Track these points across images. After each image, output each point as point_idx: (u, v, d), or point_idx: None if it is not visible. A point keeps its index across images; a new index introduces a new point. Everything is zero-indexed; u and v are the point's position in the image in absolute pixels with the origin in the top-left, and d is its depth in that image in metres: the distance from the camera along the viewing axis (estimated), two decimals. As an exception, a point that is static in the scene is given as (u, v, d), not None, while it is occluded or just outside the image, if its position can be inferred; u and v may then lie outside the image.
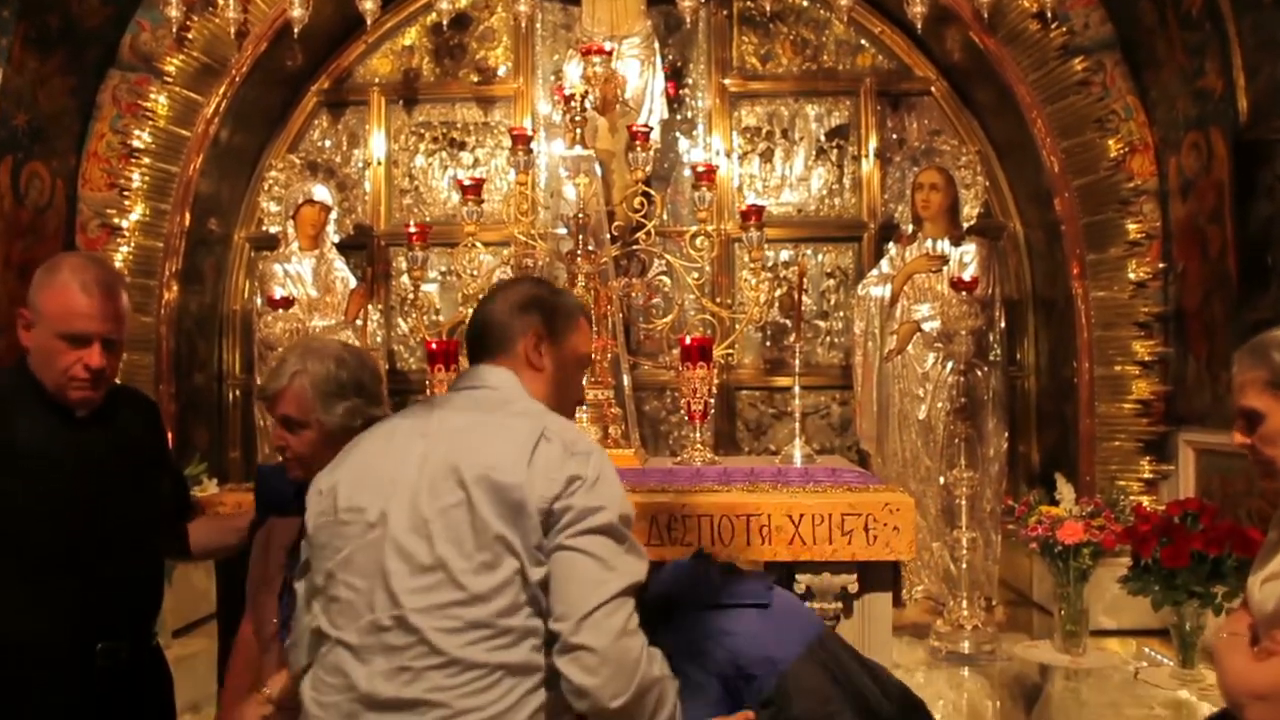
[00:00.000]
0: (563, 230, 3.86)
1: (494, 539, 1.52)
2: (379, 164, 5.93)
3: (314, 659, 1.65)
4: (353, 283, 5.49)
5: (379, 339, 5.56)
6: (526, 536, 1.53)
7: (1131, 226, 5.15)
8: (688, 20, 5.29)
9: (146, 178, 5.39)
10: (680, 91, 5.83)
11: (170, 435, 5.35)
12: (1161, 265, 5.15)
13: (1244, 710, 1.67)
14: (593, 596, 1.50)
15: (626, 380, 3.52)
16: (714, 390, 3.15)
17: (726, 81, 5.85)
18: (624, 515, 1.58)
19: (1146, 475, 5.10)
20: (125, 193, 5.38)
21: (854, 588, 2.45)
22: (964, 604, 4.61)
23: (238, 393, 5.94)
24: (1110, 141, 5.16)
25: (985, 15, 4.96)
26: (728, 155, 5.83)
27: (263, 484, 2.39)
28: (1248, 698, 1.67)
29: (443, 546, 1.53)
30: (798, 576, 2.44)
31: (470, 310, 3.90)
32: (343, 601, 1.58)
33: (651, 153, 3.52)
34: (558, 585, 1.52)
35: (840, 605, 2.46)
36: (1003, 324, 5.30)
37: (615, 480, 1.62)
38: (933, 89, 5.80)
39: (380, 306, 5.81)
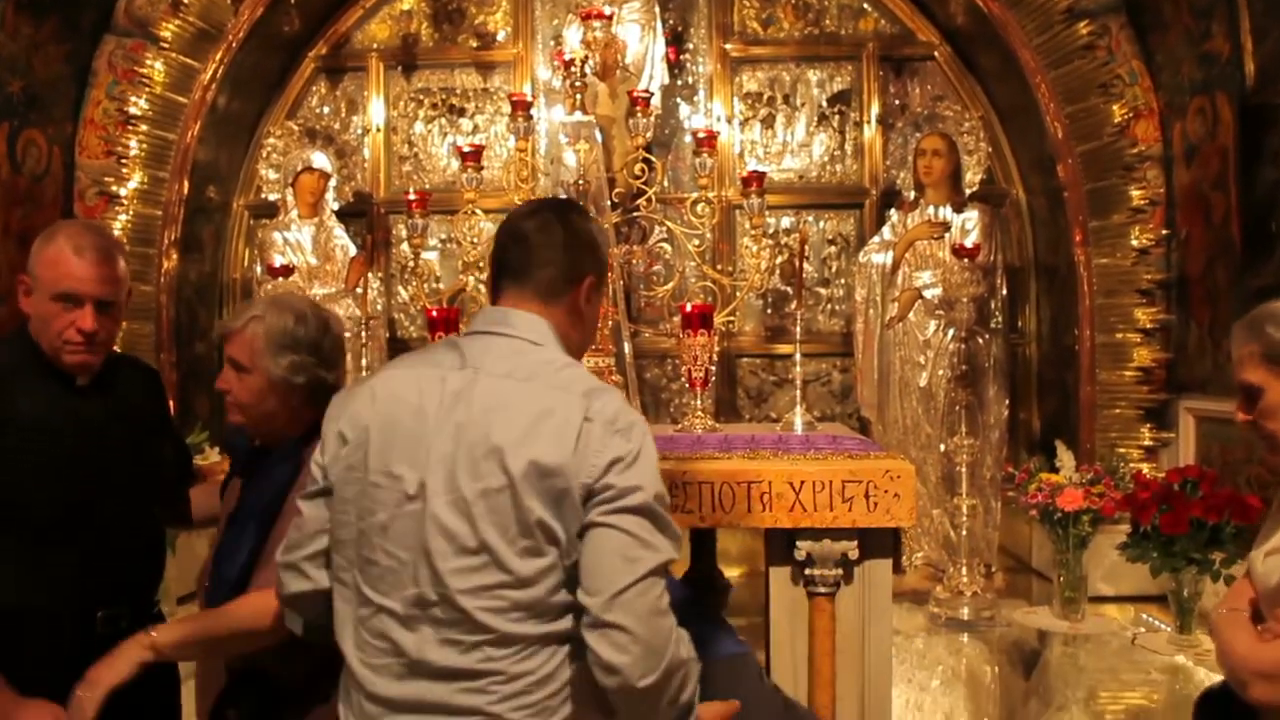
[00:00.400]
0: (563, 197, 3.84)
1: (537, 524, 1.50)
2: (378, 131, 5.89)
3: (311, 603, 1.66)
4: (352, 250, 5.47)
5: (379, 307, 5.55)
6: (569, 523, 1.51)
7: (1135, 193, 5.12)
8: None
9: (144, 145, 5.36)
10: (681, 56, 5.78)
11: (172, 404, 5.39)
12: (1165, 232, 5.13)
13: (1248, 688, 1.68)
14: (626, 574, 1.47)
15: (627, 348, 3.52)
16: (715, 358, 3.14)
17: (727, 46, 5.80)
18: (659, 494, 1.55)
19: (1147, 443, 5.11)
20: (123, 160, 5.34)
21: (854, 554, 2.45)
22: (963, 570, 4.64)
23: (238, 361, 5.93)
24: (1115, 107, 5.12)
25: (990, -22, 4.90)
26: (729, 121, 5.79)
27: (228, 442, 2.41)
28: (1252, 676, 1.68)
29: (486, 530, 1.50)
30: (798, 543, 2.45)
31: (469, 278, 3.90)
32: (383, 568, 1.55)
33: (652, 118, 3.49)
34: (591, 560, 1.49)
35: (840, 572, 2.47)
36: (1004, 291, 5.29)
37: (653, 457, 1.58)
38: (936, 54, 5.75)
39: (380, 274, 5.79)
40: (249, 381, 2.03)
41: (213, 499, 2.36)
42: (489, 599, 1.50)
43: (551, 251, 1.66)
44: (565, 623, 1.52)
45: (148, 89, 5.32)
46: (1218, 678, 2.01)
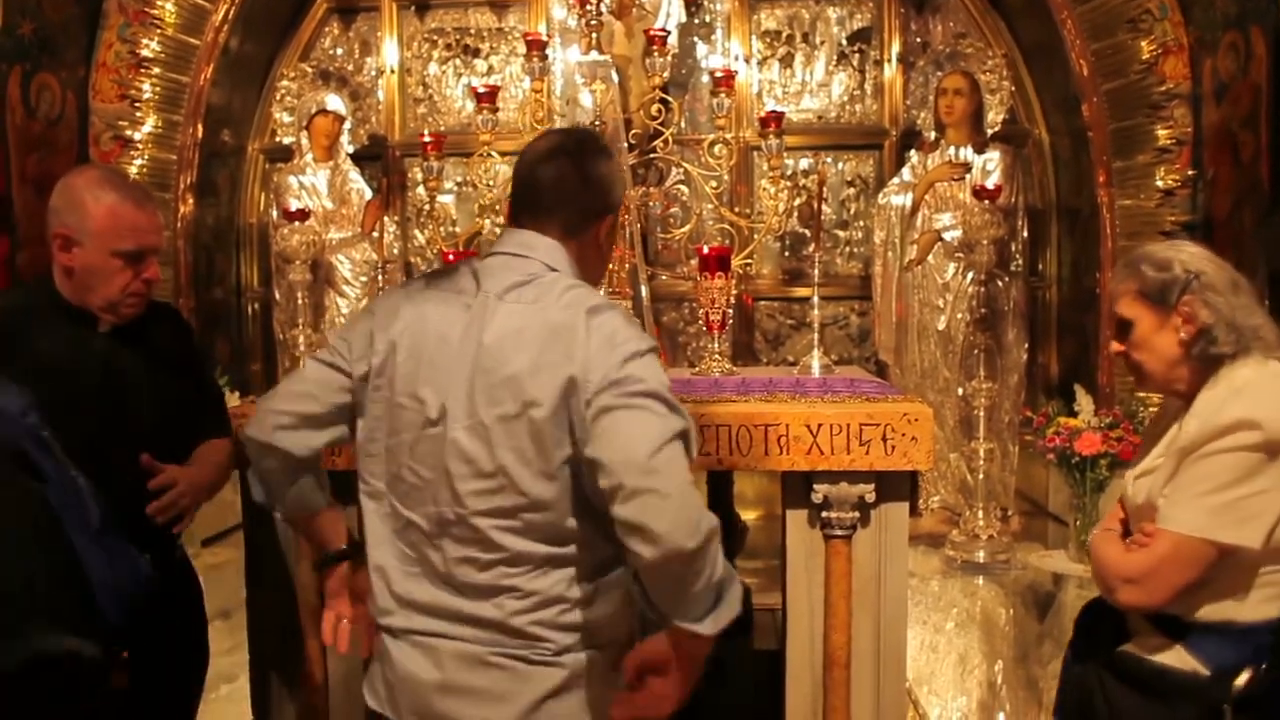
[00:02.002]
0: (580, 129, 3.80)
1: (554, 446, 1.53)
2: (392, 72, 5.83)
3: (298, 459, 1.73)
4: (368, 194, 5.46)
5: (395, 250, 5.55)
6: (580, 428, 1.52)
7: (1161, 132, 5.01)
8: (706, -82, 5.11)
9: (157, 88, 5.33)
10: (698, -6, 5.68)
11: (193, 348, 5.44)
12: (1191, 172, 5.03)
13: (1115, 593, 1.85)
14: (654, 438, 1.46)
15: (644, 291, 3.50)
16: (732, 300, 3.12)
17: (746, -17, 5.69)
18: (666, 388, 1.55)
19: (1168, 386, 5.07)
20: (136, 104, 5.32)
21: (871, 497, 2.45)
22: (980, 514, 4.65)
23: (256, 306, 5.96)
24: (1143, 43, 4.99)
25: (1016, -90, 4.76)
26: (746, 61, 5.69)
27: None
28: (1118, 582, 1.84)
29: (503, 454, 1.54)
30: (815, 486, 2.45)
31: (485, 221, 3.88)
32: (409, 485, 1.62)
33: (669, 58, 3.42)
34: (610, 439, 1.47)
35: (857, 515, 2.47)
36: (1025, 233, 5.23)
37: (656, 363, 1.59)
38: (959, -11, 5.62)
39: (396, 218, 5.78)
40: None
41: (212, 450, 2.29)
42: (505, 520, 1.56)
43: (570, 194, 1.69)
44: (577, 548, 1.58)
45: (159, 31, 5.27)
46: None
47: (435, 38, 5.89)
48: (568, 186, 1.68)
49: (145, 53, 5.27)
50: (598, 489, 1.48)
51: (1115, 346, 2.00)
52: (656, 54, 3.34)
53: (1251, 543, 1.75)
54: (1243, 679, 1.78)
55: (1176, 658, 1.85)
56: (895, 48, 5.64)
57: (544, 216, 1.68)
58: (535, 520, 1.56)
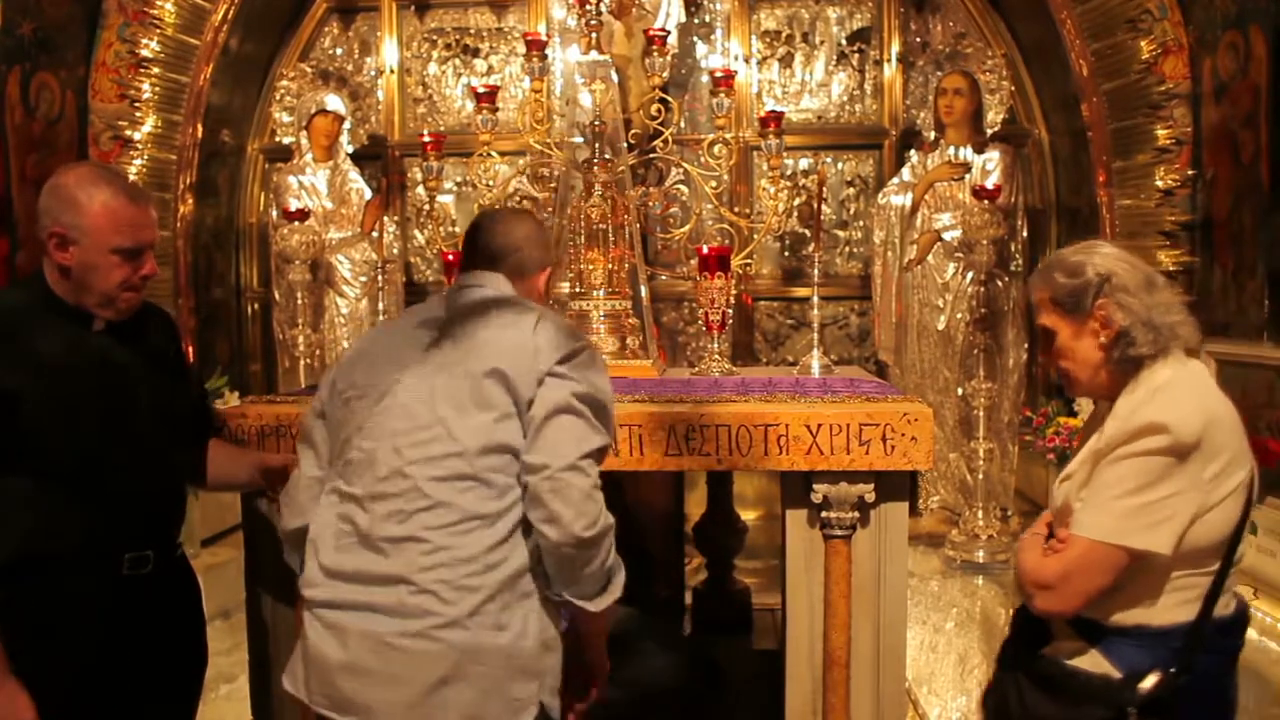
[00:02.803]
0: (579, 139, 3.79)
1: (490, 401, 1.76)
2: (392, 72, 5.83)
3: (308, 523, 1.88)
4: (368, 194, 5.46)
5: (395, 250, 5.55)
6: (520, 398, 1.76)
7: (1161, 132, 5.01)
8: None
9: (157, 88, 5.33)
10: (698, -6, 5.68)
11: (192, 349, 5.43)
12: (1191, 172, 5.03)
13: (1031, 600, 1.85)
14: (582, 447, 1.76)
15: (644, 291, 3.49)
16: (732, 300, 3.12)
17: (746, -17, 5.69)
18: (608, 399, 1.83)
19: (1167, 386, 5.07)
20: (136, 104, 5.32)
21: (871, 497, 2.45)
22: (979, 514, 4.65)
23: (256, 306, 5.96)
24: (1142, 43, 4.99)
25: (1016, -90, 4.76)
26: (746, 60, 5.69)
27: None
28: (1033, 587, 1.84)
29: (443, 408, 1.76)
30: (814, 486, 2.45)
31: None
32: (355, 462, 1.80)
33: (669, 58, 3.42)
34: (551, 434, 1.75)
35: (857, 515, 2.47)
36: (1025, 233, 5.23)
37: (604, 372, 1.86)
38: (959, -11, 5.62)
39: (396, 218, 5.78)
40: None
41: (228, 463, 2.35)
42: (433, 468, 1.73)
43: (515, 246, 2.01)
44: (501, 504, 1.74)
45: (159, 30, 5.27)
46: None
47: (435, 37, 5.90)
48: (512, 240, 2.01)
49: (145, 52, 5.27)
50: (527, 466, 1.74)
51: (1041, 356, 2.03)
52: (656, 54, 3.34)
53: (1162, 548, 1.74)
54: (1149, 682, 1.77)
55: (1091, 661, 1.84)
56: (895, 47, 5.64)
57: (495, 263, 1.99)
58: (464, 469, 1.73)
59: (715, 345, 3.17)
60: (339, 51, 5.91)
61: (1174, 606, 1.80)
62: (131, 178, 5.13)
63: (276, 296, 5.50)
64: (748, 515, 4.40)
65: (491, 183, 3.63)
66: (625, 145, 3.48)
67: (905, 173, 5.32)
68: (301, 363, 5.05)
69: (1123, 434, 1.79)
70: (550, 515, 1.71)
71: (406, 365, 1.82)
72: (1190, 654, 1.78)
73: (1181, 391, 1.80)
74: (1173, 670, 1.77)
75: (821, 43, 5.77)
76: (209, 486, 2.39)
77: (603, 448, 1.81)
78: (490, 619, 1.71)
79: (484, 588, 1.71)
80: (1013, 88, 5.30)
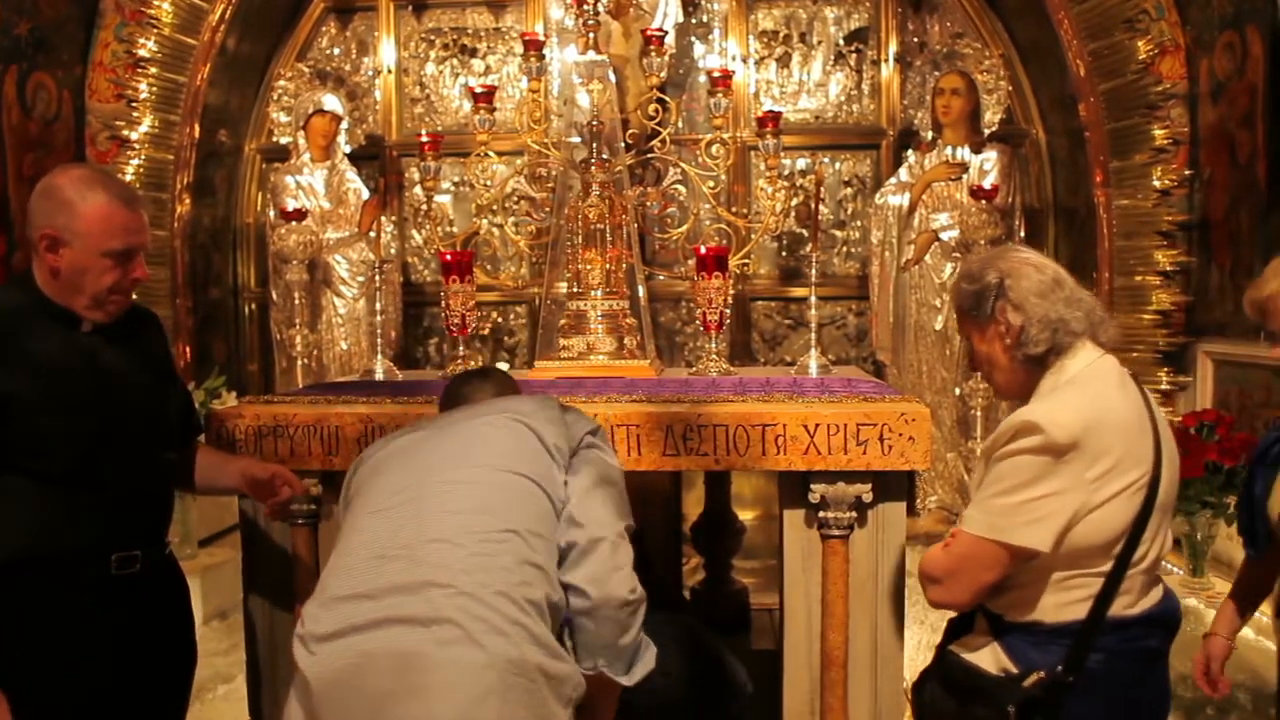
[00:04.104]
0: (576, 139, 3.79)
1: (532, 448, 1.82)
2: (389, 72, 5.83)
3: None
4: (365, 194, 5.45)
5: (393, 250, 5.54)
6: (555, 479, 1.81)
7: (1158, 132, 5.02)
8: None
9: (154, 88, 5.32)
10: (695, -6, 5.67)
11: (189, 350, 5.43)
12: (1188, 172, 5.03)
13: (925, 593, 1.90)
14: (619, 523, 1.82)
15: (642, 291, 3.50)
16: (729, 300, 3.12)
17: (743, -17, 5.69)
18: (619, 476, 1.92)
19: (1164, 386, 5.07)
20: (133, 104, 5.31)
21: (868, 497, 2.46)
22: (977, 513, 4.64)
23: (253, 306, 5.95)
24: (1140, 43, 5.00)
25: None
26: (744, 60, 5.69)
27: None
28: (925, 580, 1.89)
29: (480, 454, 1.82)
30: (812, 486, 2.45)
31: (482, 221, 3.88)
32: (387, 507, 1.79)
33: (666, 58, 3.43)
34: (598, 500, 1.82)
35: (854, 515, 2.47)
36: (1022, 233, 5.22)
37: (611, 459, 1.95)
38: (956, -11, 5.62)
39: (393, 218, 5.77)
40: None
41: (214, 470, 2.33)
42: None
43: (489, 394, 2.11)
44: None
45: (156, 30, 5.26)
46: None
47: (432, 37, 5.89)
48: (485, 394, 2.10)
49: (142, 52, 5.26)
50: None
51: (970, 367, 2.07)
52: (654, 54, 3.34)
53: (1040, 545, 1.75)
54: (1030, 680, 1.79)
55: (991, 656, 1.87)
56: (892, 48, 5.64)
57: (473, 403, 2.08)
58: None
59: (713, 345, 3.17)
60: (336, 51, 5.90)
61: (1065, 605, 1.81)
62: (128, 178, 5.15)
63: (274, 296, 5.49)
64: (745, 515, 4.41)
65: (489, 183, 3.63)
66: (623, 145, 3.48)
67: (903, 173, 5.32)
68: (299, 363, 5.04)
69: (1001, 434, 1.82)
70: (594, 575, 1.73)
71: (428, 452, 1.86)
72: (1080, 653, 1.79)
73: (1072, 391, 1.82)
74: (1060, 669, 1.79)
75: (819, 43, 5.77)
76: (197, 490, 2.38)
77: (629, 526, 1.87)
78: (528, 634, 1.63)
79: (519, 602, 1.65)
80: (1010, 88, 5.30)
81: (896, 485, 2.52)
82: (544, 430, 1.82)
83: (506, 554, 1.66)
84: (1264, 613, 2.32)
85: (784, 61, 5.79)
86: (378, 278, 3.55)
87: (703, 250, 3.06)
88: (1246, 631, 2.10)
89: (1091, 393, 1.82)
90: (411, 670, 1.54)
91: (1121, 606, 1.82)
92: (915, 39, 5.68)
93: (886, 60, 5.66)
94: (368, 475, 1.88)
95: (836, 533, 2.47)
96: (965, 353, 2.04)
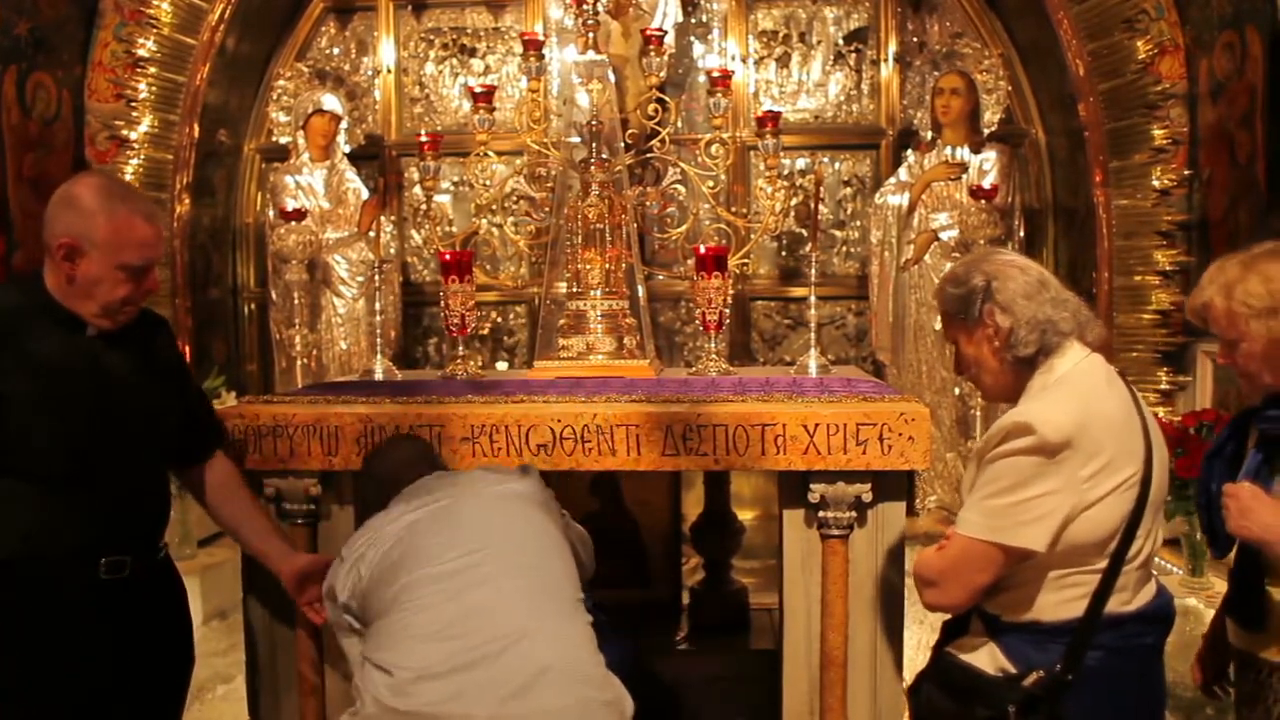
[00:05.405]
0: (576, 138, 3.79)
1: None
2: (388, 72, 5.83)
3: None
4: (365, 194, 5.45)
5: (392, 250, 5.54)
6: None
7: (1157, 132, 5.02)
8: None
9: (153, 88, 5.32)
10: (695, -7, 5.67)
11: (188, 350, 5.42)
12: (1187, 172, 5.03)
13: (921, 596, 1.91)
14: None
15: (641, 291, 3.49)
16: (729, 300, 3.12)
17: (742, -17, 5.68)
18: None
19: (1163, 386, 5.07)
20: (133, 104, 5.31)
21: (868, 497, 2.46)
22: (976, 513, 4.63)
23: (253, 306, 5.95)
24: (1139, 43, 5.00)
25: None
26: (743, 60, 5.69)
27: None
28: (920, 584, 1.90)
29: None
30: (812, 485, 2.45)
31: (482, 221, 3.88)
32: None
33: (666, 58, 3.43)
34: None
35: (854, 514, 2.47)
36: (1022, 233, 5.23)
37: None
38: (955, -11, 5.62)
39: (393, 218, 5.77)
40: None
41: (249, 531, 2.29)
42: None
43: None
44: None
45: (155, 30, 5.26)
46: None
47: (432, 37, 5.89)
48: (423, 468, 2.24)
49: (141, 52, 5.26)
50: None
51: (957, 372, 2.07)
52: (653, 53, 3.34)
53: (1035, 545, 1.75)
54: (1030, 679, 1.79)
55: (989, 656, 1.87)
56: (892, 47, 5.64)
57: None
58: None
59: (712, 345, 3.17)
60: (336, 51, 5.90)
61: (1063, 603, 1.82)
62: (128, 178, 5.14)
63: (273, 296, 5.49)
64: (745, 515, 4.39)
65: (488, 183, 3.63)
66: (622, 145, 3.48)
67: (902, 172, 5.32)
68: (299, 363, 5.04)
69: (994, 435, 1.82)
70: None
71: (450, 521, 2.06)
72: (1079, 651, 1.79)
73: (1063, 391, 1.82)
74: (1058, 667, 1.79)
75: (819, 43, 5.77)
76: (208, 512, 2.37)
77: None
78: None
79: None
80: (1010, 88, 5.30)
81: (896, 485, 2.52)
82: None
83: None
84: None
85: (783, 61, 5.79)
86: (377, 278, 3.55)
87: (702, 250, 3.05)
88: (1246, 631, 2.10)
89: (1082, 392, 1.83)
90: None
91: (1118, 604, 1.82)
92: (915, 39, 5.68)
93: (886, 60, 5.65)
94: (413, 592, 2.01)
95: (836, 532, 2.47)
96: (952, 356, 2.01)
